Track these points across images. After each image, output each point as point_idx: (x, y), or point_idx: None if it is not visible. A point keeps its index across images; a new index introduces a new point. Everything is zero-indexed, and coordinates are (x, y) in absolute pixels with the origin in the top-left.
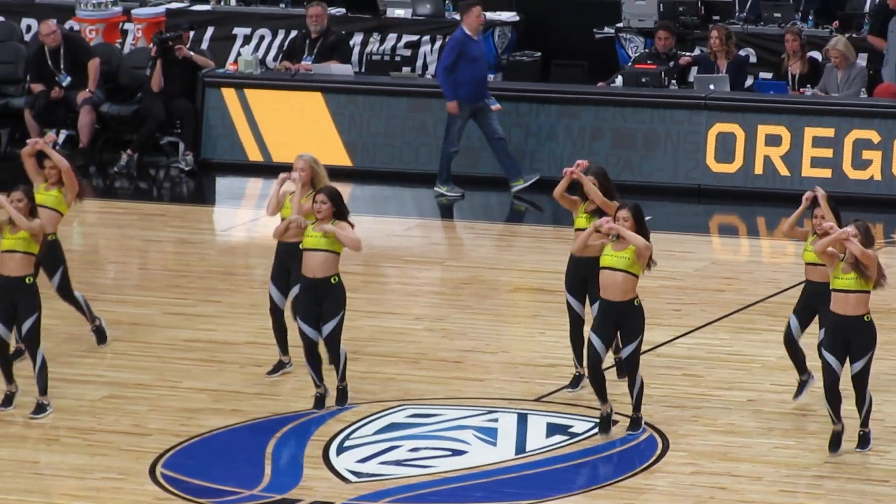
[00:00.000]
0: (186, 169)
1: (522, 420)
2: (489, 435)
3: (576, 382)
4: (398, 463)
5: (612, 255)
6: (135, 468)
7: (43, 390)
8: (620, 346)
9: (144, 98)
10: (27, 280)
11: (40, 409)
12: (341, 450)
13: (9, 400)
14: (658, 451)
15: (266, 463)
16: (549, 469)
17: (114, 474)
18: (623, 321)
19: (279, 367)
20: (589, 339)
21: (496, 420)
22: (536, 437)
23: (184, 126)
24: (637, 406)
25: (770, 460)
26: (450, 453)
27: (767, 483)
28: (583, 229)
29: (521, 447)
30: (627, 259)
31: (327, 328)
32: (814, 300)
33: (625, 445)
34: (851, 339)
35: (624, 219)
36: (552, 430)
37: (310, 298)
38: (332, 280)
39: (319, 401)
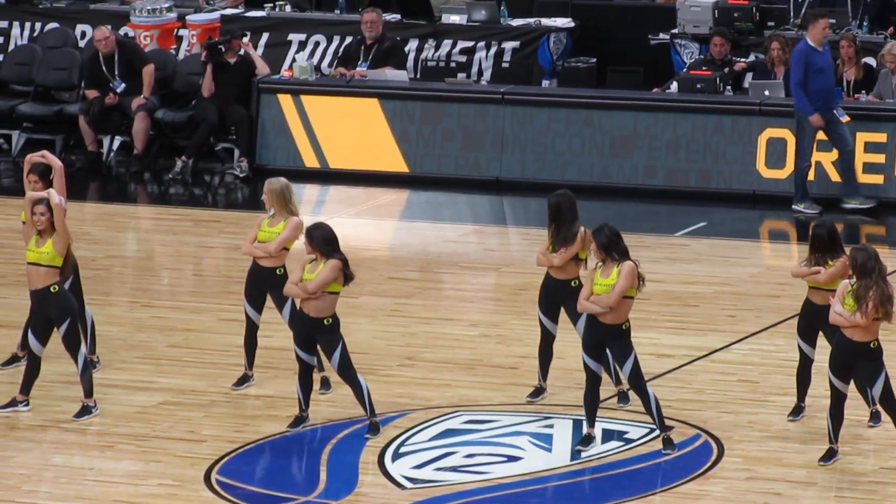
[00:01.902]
0: (241, 175)
1: (578, 426)
2: (545, 441)
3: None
4: (453, 469)
5: (600, 284)
6: (190, 475)
7: (88, 392)
8: (619, 373)
9: (197, 103)
10: (52, 289)
11: (85, 411)
12: (397, 456)
13: (13, 403)
14: (713, 457)
15: (321, 469)
16: (605, 475)
17: (168, 481)
18: (609, 343)
19: (244, 380)
20: (584, 361)
21: (551, 426)
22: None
23: (238, 132)
24: (661, 425)
25: (826, 468)
26: (505, 459)
27: (822, 489)
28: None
29: (576, 453)
30: (612, 284)
31: (333, 364)
32: (814, 320)
33: (680, 451)
34: (858, 364)
35: (590, 240)
36: (607, 435)
37: (305, 331)
38: (326, 322)
39: (297, 421)
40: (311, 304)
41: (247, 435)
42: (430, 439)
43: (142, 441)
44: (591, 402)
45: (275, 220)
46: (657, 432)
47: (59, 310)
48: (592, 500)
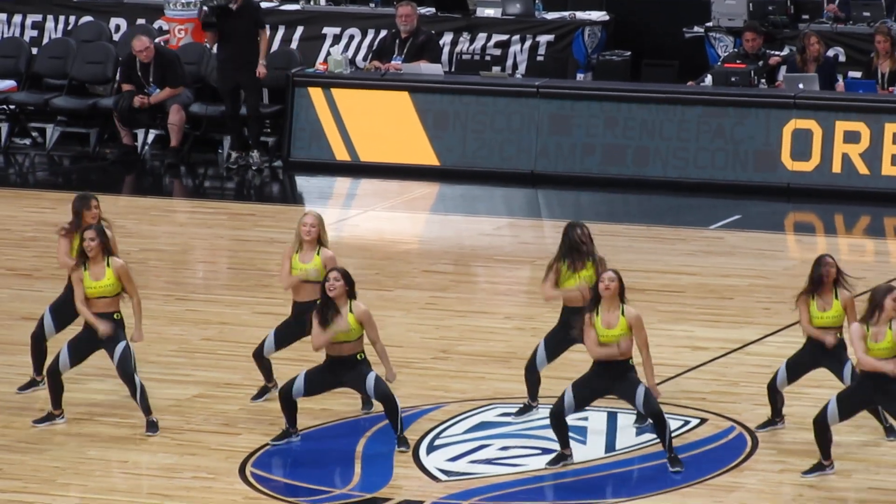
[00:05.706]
0: (233, 167)
1: (612, 418)
2: (579, 433)
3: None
4: (488, 461)
5: (606, 335)
6: (224, 467)
7: (146, 410)
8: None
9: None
10: (115, 316)
11: (151, 426)
12: (431, 448)
13: (50, 417)
14: (747, 449)
15: (356, 462)
16: (639, 467)
17: (203, 473)
18: (615, 383)
19: (263, 391)
20: (565, 391)
21: (586, 419)
22: (626, 436)
23: (250, 125)
24: (671, 448)
25: (859, 458)
26: (539, 452)
27: (857, 480)
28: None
29: (610, 445)
30: (619, 333)
31: (369, 391)
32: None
33: (714, 444)
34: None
35: (610, 279)
36: (642, 428)
37: (331, 372)
38: (358, 357)
39: (283, 435)
40: (344, 346)
41: (281, 428)
42: (465, 432)
43: (176, 434)
44: (561, 425)
45: (307, 256)
46: (692, 424)
47: (115, 334)
48: (627, 492)
